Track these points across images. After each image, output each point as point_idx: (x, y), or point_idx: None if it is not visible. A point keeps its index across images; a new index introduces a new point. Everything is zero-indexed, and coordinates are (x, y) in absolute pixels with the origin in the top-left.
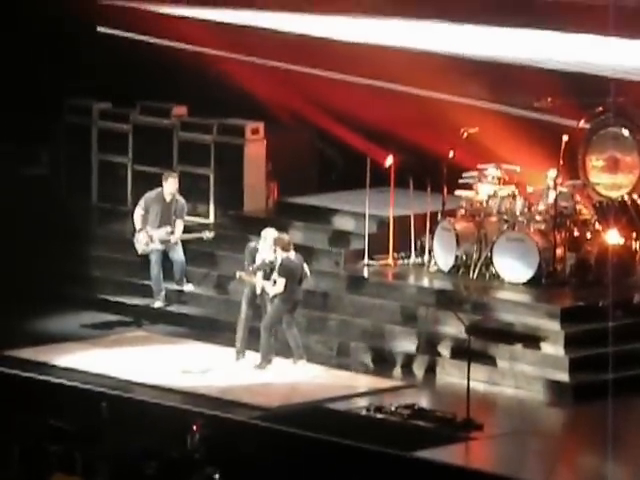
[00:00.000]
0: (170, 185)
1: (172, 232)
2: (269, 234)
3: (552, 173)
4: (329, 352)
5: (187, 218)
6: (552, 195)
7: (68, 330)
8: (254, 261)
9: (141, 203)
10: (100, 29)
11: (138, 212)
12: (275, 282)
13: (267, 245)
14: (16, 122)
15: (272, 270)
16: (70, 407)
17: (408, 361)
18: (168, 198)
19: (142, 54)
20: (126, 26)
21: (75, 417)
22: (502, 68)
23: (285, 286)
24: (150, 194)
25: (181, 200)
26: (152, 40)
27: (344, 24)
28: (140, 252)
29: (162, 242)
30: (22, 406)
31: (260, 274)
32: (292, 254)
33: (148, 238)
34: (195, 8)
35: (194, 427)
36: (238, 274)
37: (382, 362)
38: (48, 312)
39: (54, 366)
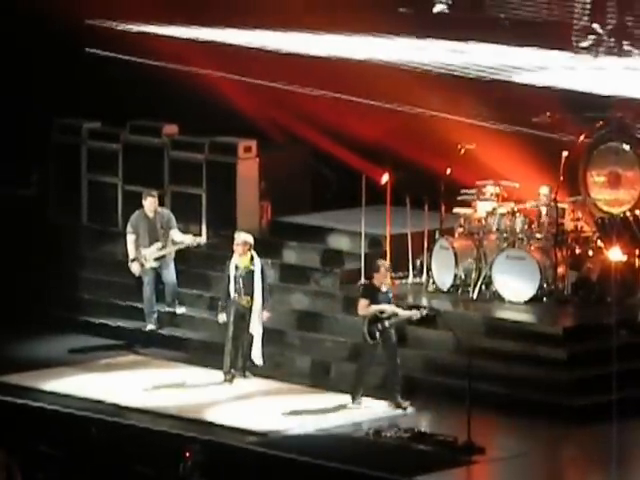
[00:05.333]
0: (150, 204)
1: (163, 246)
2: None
3: (544, 190)
4: (325, 374)
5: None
6: (544, 211)
7: (57, 355)
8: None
9: (129, 229)
10: (88, 50)
11: (130, 238)
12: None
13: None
14: (4, 142)
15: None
16: (59, 433)
17: (407, 383)
18: (151, 215)
19: (132, 72)
20: (114, 46)
21: (64, 443)
22: (500, 84)
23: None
24: (134, 216)
25: (164, 212)
26: (141, 60)
27: (338, 42)
28: (137, 274)
29: (156, 259)
30: (10, 432)
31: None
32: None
33: (142, 259)
34: (182, 27)
35: (187, 453)
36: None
37: (380, 384)
38: (36, 336)
39: (42, 391)
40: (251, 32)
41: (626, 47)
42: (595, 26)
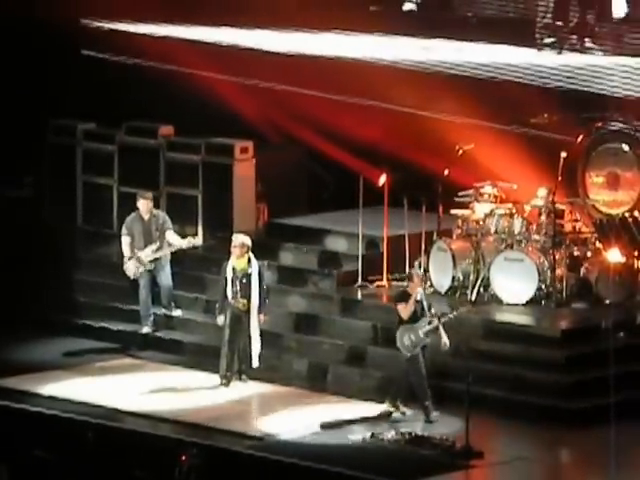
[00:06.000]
0: (144, 206)
1: (159, 248)
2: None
3: (541, 192)
4: (322, 377)
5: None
6: (542, 212)
7: (52, 358)
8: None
9: (124, 230)
10: (84, 52)
11: (125, 240)
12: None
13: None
14: None
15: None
16: (55, 437)
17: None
18: (146, 217)
19: (127, 73)
20: (109, 48)
21: (60, 447)
22: (498, 84)
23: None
24: (129, 218)
25: (160, 214)
26: (136, 61)
27: (334, 41)
28: (132, 277)
29: (151, 261)
30: (5, 436)
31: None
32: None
33: (137, 262)
34: (177, 26)
35: (183, 457)
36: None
37: (378, 387)
38: (31, 339)
39: (38, 395)
40: (245, 31)
41: (588, 44)
42: (558, 23)
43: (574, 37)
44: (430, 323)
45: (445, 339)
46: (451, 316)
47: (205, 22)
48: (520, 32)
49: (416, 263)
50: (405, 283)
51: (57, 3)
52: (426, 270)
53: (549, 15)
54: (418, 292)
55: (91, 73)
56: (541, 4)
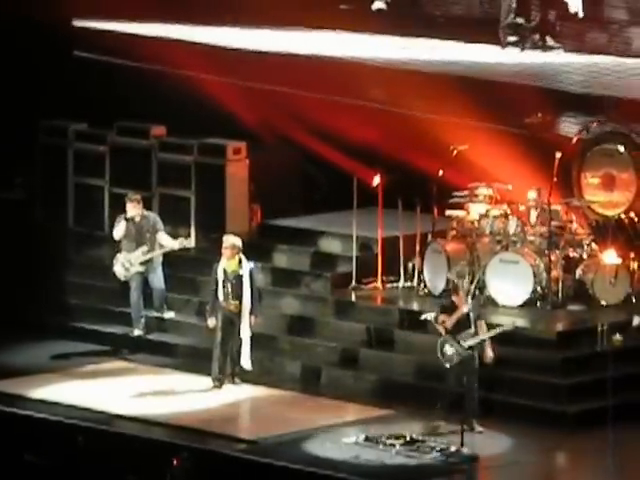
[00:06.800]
0: (132, 208)
1: (150, 250)
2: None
3: (532, 194)
4: (315, 380)
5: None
6: (533, 214)
7: (43, 361)
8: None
9: (119, 220)
10: (77, 53)
11: (120, 227)
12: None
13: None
14: None
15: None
16: (45, 441)
17: (398, 389)
18: (137, 219)
19: (119, 73)
20: (101, 48)
21: (51, 451)
22: (491, 84)
23: None
24: (121, 217)
25: (151, 215)
26: (129, 63)
27: (328, 41)
28: (122, 279)
29: (142, 263)
30: None
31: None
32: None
33: (128, 263)
34: (168, 25)
35: (175, 460)
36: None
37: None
38: (21, 342)
39: (28, 398)
40: (237, 31)
41: (549, 42)
42: (520, 22)
43: (536, 35)
44: (476, 334)
45: (490, 352)
46: (507, 328)
47: (197, 21)
48: (486, 31)
49: (450, 274)
50: (400, 284)
51: (48, 3)
52: (421, 272)
53: (512, 15)
54: (465, 306)
55: (82, 73)
56: (504, 4)
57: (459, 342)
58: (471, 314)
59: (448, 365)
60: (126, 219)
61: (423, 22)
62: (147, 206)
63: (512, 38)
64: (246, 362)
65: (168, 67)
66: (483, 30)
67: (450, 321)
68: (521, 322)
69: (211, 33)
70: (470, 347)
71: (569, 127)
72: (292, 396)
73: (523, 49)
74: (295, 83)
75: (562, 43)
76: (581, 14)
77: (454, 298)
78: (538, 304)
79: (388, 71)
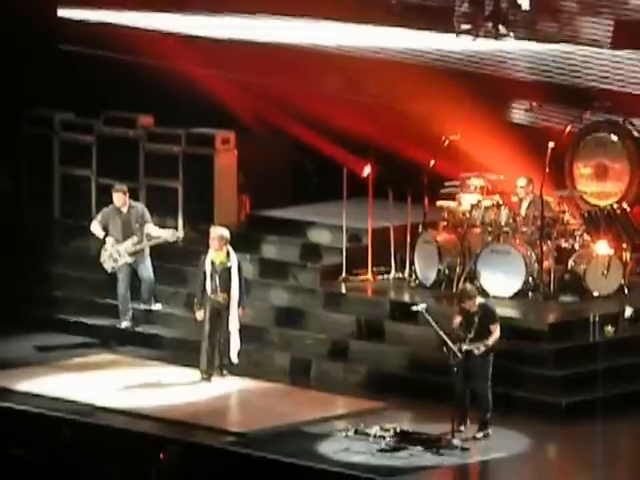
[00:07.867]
0: (118, 199)
1: (139, 242)
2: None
3: (521, 181)
4: (305, 372)
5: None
6: (525, 205)
7: (29, 353)
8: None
9: (97, 216)
10: (62, 46)
11: (94, 224)
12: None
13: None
14: None
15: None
16: (31, 434)
17: (389, 381)
18: (124, 210)
19: (106, 62)
20: (87, 38)
21: (36, 445)
22: (483, 73)
23: None
24: (106, 209)
25: (139, 206)
26: (116, 55)
27: (317, 31)
28: (110, 270)
29: (131, 255)
30: None
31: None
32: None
33: (116, 254)
34: (155, 13)
35: (162, 454)
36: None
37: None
38: (6, 334)
39: (14, 391)
40: (224, 20)
41: (502, 30)
42: (473, 10)
43: (489, 24)
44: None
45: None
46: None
47: (183, 11)
48: (440, 19)
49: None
50: (391, 275)
51: None
52: (412, 263)
53: (465, 4)
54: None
55: (69, 62)
56: None
57: (459, 343)
58: (475, 318)
59: (452, 361)
60: (113, 210)
61: (379, 9)
62: (134, 197)
63: (466, 26)
64: (233, 354)
65: (155, 59)
66: (438, 18)
67: (454, 322)
68: (513, 313)
69: (195, 23)
70: (472, 350)
71: (563, 117)
72: (281, 388)
73: (476, 37)
74: (281, 73)
75: (514, 31)
76: (526, 7)
77: (465, 304)
78: (530, 295)
79: (377, 61)
